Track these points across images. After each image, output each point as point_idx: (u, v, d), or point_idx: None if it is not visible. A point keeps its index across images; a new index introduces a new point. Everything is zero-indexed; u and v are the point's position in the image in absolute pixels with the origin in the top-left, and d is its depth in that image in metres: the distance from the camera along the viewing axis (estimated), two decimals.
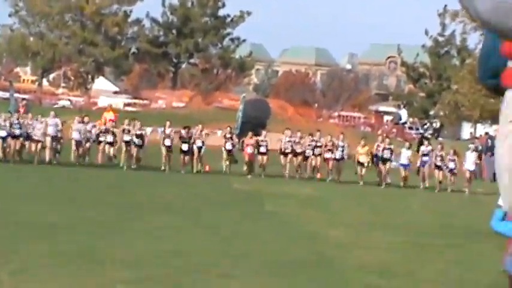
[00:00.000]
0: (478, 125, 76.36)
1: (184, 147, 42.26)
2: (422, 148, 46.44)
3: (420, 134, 77.97)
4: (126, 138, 41.68)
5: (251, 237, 22.89)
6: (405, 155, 44.78)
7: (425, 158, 44.27)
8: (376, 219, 29.21)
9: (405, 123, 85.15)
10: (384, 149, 43.69)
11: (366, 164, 43.06)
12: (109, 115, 49.99)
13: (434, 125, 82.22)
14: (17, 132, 40.14)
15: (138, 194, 31.64)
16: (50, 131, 40.83)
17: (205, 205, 29.83)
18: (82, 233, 21.31)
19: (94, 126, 43.18)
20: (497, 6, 0.79)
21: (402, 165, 44.43)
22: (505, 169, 4.53)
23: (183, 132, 43.07)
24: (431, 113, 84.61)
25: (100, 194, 30.52)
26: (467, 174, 43.04)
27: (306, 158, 43.93)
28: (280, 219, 27.49)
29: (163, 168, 41.98)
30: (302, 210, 30.19)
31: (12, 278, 15.24)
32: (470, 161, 43.89)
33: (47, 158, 40.58)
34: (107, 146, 42.34)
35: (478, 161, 47.05)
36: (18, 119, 41.12)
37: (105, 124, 45.70)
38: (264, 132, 44.12)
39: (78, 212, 25.34)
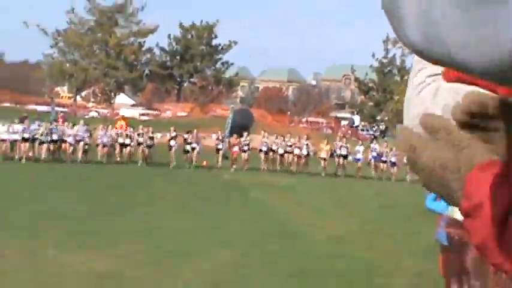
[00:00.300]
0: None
1: (187, 147, 42.36)
2: (372, 146, 46.87)
3: (371, 134, 78.11)
4: (140, 140, 41.54)
5: (234, 216, 22.84)
6: (358, 150, 45.28)
7: (374, 153, 44.77)
8: (335, 201, 29.20)
9: (358, 126, 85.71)
10: (341, 146, 44.40)
11: (326, 158, 43.39)
12: (121, 123, 49.79)
13: (380, 127, 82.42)
14: (55, 137, 40.29)
15: (148, 184, 31.47)
16: (80, 136, 40.79)
17: (201, 190, 29.82)
18: (102, 214, 21.17)
19: (116, 132, 43.19)
20: (427, 35, 0.60)
21: (356, 159, 44.79)
22: None
23: (186, 136, 43.27)
24: (378, 118, 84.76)
25: (118, 184, 30.35)
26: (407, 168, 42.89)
27: (281, 155, 44.04)
28: (259, 202, 27.44)
29: (172, 164, 41.73)
30: (277, 195, 30.15)
31: (55, 249, 15.10)
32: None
33: (79, 157, 40.59)
34: (124, 148, 42.13)
35: None
36: (56, 127, 41.33)
37: (121, 128, 45.55)
38: (245, 134, 44.16)
39: (100, 197, 25.21)
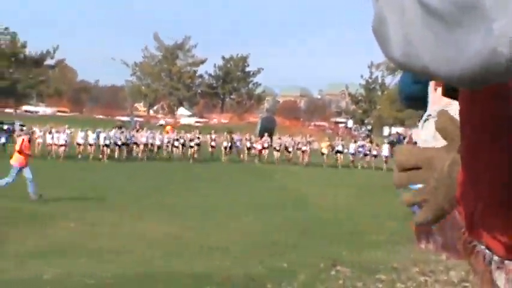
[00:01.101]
0: (392, 128, 76.13)
1: (226, 144, 42.04)
2: (359, 143, 45.91)
3: (361, 133, 77.89)
4: (193, 143, 40.86)
5: (261, 188, 22.85)
6: (352, 146, 44.13)
7: (360, 149, 43.73)
8: (335, 182, 29.08)
9: (351, 128, 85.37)
10: (339, 144, 43.54)
11: (326, 154, 42.46)
12: (168, 129, 49.29)
13: (368, 128, 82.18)
14: (129, 141, 39.81)
15: (193, 170, 31.48)
16: (150, 140, 40.70)
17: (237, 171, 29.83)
18: (166, 195, 21.19)
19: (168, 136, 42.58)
20: (407, 53, 0.59)
21: (351, 153, 43.44)
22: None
23: (234, 136, 43.44)
24: (366, 121, 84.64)
25: (175, 174, 30.36)
26: (384, 158, 42.00)
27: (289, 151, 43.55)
28: (277, 183, 27.42)
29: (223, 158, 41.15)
30: (290, 178, 30.03)
31: (131, 220, 15.18)
32: (386, 149, 43.02)
33: (140, 155, 39.78)
34: (175, 149, 41.24)
35: (391, 149, 46.22)
36: (131, 133, 40.80)
37: (167, 133, 44.65)
38: (265, 135, 43.59)
39: (164, 182, 25.29)
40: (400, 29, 0.59)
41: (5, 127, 43.24)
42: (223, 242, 12.70)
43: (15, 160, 18.49)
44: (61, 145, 36.65)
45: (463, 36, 0.54)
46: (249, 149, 42.75)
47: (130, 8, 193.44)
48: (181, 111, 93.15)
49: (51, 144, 36.90)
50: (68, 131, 38.33)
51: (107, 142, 37.66)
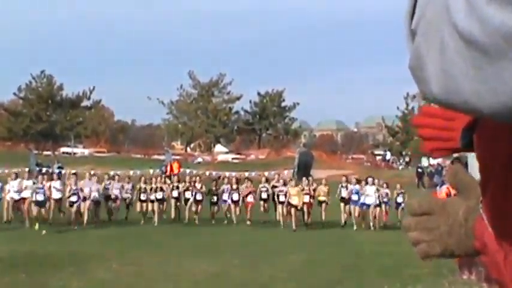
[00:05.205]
0: (430, 159, 75.98)
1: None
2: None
3: (399, 165, 77.66)
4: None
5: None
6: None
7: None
8: None
9: (389, 160, 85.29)
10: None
11: None
12: (175, 166, 47.55)
13: (406, 159, 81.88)
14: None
15: None
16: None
17: None
18: (205, 232, 21.29)
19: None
20: (446, 88, 0.65)
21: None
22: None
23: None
24: (403, 153, 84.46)
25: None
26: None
27: None
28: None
29: None
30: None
31: (174, 259, 15.26)
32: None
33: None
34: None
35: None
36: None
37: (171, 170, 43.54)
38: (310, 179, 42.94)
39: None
40: (439, 64, 0.58)
41: (44, 170, 43.92)
42: (267, 278, 12.87)
43: None
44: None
45: (509, 68, 0.53)
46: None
47: (165, 46, 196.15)
48: (219, 148, 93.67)
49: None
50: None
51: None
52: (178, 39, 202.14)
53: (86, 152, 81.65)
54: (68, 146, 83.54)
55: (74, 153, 78.68)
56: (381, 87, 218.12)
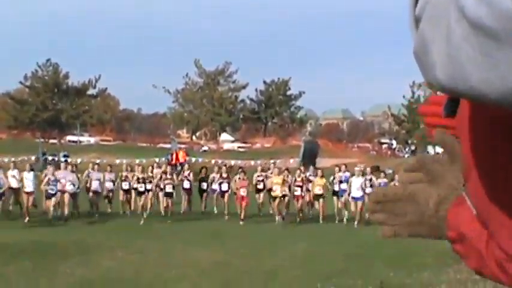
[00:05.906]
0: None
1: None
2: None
3: (405, 153, 77.72)
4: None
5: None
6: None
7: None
8: None
9: (395, 148, 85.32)
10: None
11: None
12: (180, 154, 47.84)
13: (412, 148, 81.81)
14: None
15: None
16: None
17: None
18: (212, 222, 21.29)
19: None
20: (452, 75, 0.63)
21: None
22: None
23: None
24: (409, 142, 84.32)
25: None
26: None
27: None
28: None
29: None
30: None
31: (179, 248, 15.36)
32: None
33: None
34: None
35: None
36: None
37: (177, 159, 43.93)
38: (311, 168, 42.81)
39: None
40: (445, 50, 0.57)
41: (50, 158, 43.98)
42: (271, 267, 12.90)
43: None
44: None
45: None
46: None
47: (171, 35, 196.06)
48: (224, 136, 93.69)
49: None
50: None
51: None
52: (185, 27, 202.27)
53: (92, 140, 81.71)
54: (74, 135, 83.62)
55: (80, 142, 78.78)
56: (387, 76, 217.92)
